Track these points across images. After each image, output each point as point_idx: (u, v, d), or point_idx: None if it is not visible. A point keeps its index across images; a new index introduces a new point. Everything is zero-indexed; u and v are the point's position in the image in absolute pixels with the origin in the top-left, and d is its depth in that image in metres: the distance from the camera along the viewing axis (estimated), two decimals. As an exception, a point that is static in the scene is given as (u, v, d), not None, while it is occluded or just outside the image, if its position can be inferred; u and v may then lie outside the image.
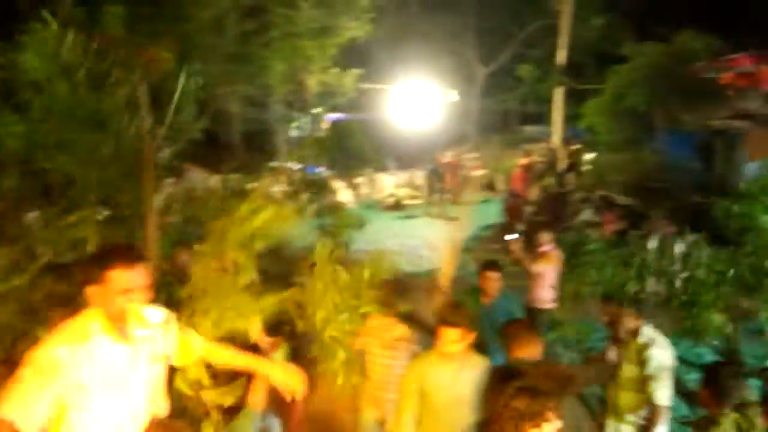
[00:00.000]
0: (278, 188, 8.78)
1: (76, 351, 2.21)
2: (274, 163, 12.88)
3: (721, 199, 7.86)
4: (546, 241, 6.31)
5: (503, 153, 19.61)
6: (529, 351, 3.50)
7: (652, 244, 8.08)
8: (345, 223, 7.59)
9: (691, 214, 9.08)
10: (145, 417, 2.46)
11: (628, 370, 3.86)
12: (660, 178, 12.28)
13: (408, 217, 15.10)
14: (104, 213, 4.71)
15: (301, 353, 4.13)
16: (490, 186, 18.59)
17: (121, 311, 2.29)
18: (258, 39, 13.78)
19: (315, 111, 16.56)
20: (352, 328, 4.31)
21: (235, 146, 15.48)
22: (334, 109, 17.54)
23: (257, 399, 2.90)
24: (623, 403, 3.92)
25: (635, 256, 7.69)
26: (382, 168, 16.97)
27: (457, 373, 3.29)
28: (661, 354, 3.74)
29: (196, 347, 2.65)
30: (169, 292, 3.68)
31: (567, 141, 18.09)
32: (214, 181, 8.48)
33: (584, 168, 16.41)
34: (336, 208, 8.39)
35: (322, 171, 12.01)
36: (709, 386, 3.19)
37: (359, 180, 15.47)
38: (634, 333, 3.84)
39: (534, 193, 13.84)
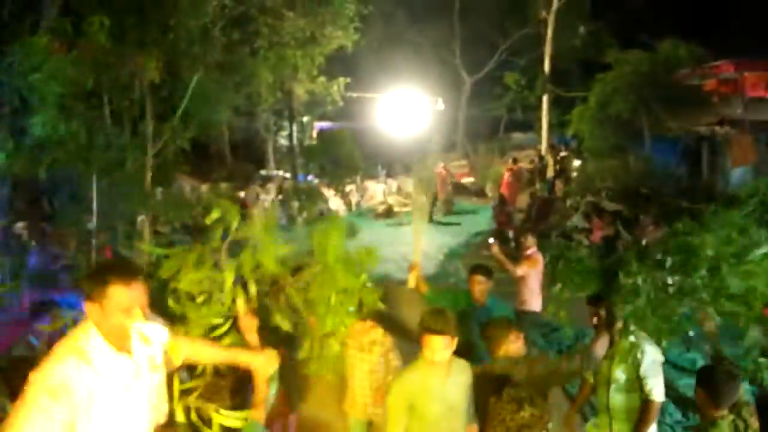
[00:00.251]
0: (268, 196, 8.76)
1: (81, 368, 2.18)
2: (263, 172, 12.86)
3: (708, 204, 7.94)
4: (530, 245, 6.35)
5: (492, 160, 19.73)
6: (511, 349, 3.55)
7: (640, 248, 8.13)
8: (336, 231, 7.52)
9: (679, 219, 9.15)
10: (150, 426, 2.45)
11: (621, 370, 3.85)
12: (647, 184, 12.41)
13: (399, 224, 15.13)
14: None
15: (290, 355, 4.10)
16: (479, 193, 18.67)
17: (121, 327, 2.28)
18: (245, 48, 13.78)
19: (303, 120, 16.57)
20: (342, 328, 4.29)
21: (224, 155, 15.43)
22: (322, 118, 17.56)
23: (260, 413, 2.88)
24: (617, 404, 3.92)
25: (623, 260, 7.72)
26: (371, 176, 17.00)
27: (445, 380, 3.28)
28: (651, 350, 3.76)
29: (182, 347, 2.66)
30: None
31: (555, 148, 18.24)
32: (204, 189, 8.47)
33: (572, 174, 16.53)
34: (327, 216, 8.38)
35: (311, 179, 11.99)
36: (705, 388, 3.20)
37: (349, 188, 15.48)
38: (621, 334, 3.84)
39: (523, 199, 13.93)
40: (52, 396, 2.11)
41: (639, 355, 3.74)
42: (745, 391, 3.53)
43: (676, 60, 15.13)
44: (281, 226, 9.83)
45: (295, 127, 16.23)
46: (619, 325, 3.83)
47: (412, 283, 5.04)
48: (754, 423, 3.20)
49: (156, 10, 8.92)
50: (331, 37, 15.01)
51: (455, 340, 3.29)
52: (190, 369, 3.15)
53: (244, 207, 9.67)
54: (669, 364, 6.58)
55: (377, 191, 17.06)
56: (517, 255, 6.49)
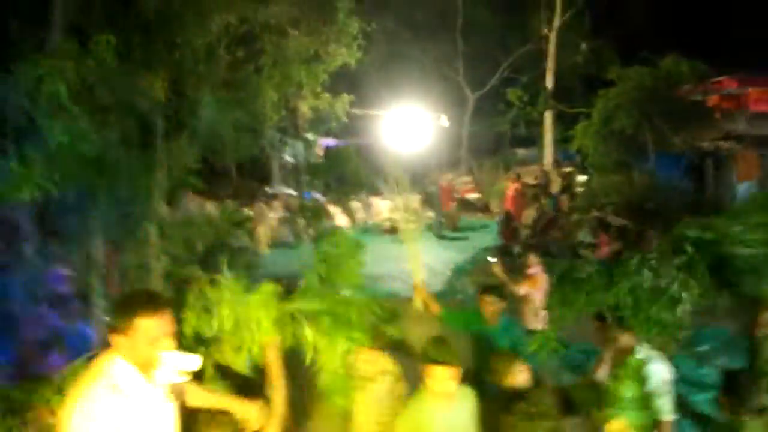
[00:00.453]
0: (274, 214, 8.75)
1: (112, 396, 2.20)
2: (269, 189, 12.88)
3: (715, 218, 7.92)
4: (533, 263, 6.33)
5: (496, 176, 19.74)
6: (518, 380, 3.55)
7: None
8: (343, 248, 7.52)
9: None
10: None
11: (629, 389, 3.82)
12: (651, 199, 12.40)
13: (405, 241, 15.07)
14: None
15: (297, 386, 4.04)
16: (484, 209, 18.66)
17: (150, 357, 2.28)
18: (249, 66, 13.88)
19: (308, 136, 16.62)
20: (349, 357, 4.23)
21: (230, 172, 15.48)
22: (327, 135, 17.63)
23: None
24: (628, 424, 3.89)
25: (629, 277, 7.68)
26: (377, 192, 17.02)
27: (450, 408, 3.27)
28: (660, 369, 3.73)
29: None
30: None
31: (559, 163, 18.26)
32: (210, 207, 8.46)
33: (577, 190, 16.53)
34: (333, 233, 8.35)
35: (317, 196, 11.99)
36: (729, 393, 3.18)
37: (355, 205, 15.48)
38: (630, 351, 3.81)
39: (529, 215, 13.92)
40: (92, 421, 2.10)
41: (646, 375, 3.71)
42: None
43: (678, 75, 15.18)
44: (287, 243, 9.86)
45: (300, 144, 16.28)
46: (627, 341, 3.81)
47: (418, 304, 5.02)
48: None
49: (162, 29, 8.99)
50: (335, 55, 15.13)
51: (459, 370, 3.27)
52: None
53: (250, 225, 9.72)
54: (681, 380, 6.54)
55: (383, 208, 17.06)
56: (521, 272, 6.47)
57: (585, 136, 16.57)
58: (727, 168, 13.32)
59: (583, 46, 20.76)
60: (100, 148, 5.48)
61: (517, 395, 3.40)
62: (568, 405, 3.69)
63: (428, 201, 15.61)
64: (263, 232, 10.75)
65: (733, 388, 3.23)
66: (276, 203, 14.07)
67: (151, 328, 2.25)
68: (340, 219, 12.53)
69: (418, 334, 4.97)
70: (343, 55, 15.18)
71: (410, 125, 19.03)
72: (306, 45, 14.48)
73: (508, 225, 12.64)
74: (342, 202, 12.83)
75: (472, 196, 19.19)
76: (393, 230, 15.80)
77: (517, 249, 10.87)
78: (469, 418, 3.30)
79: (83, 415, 2.13)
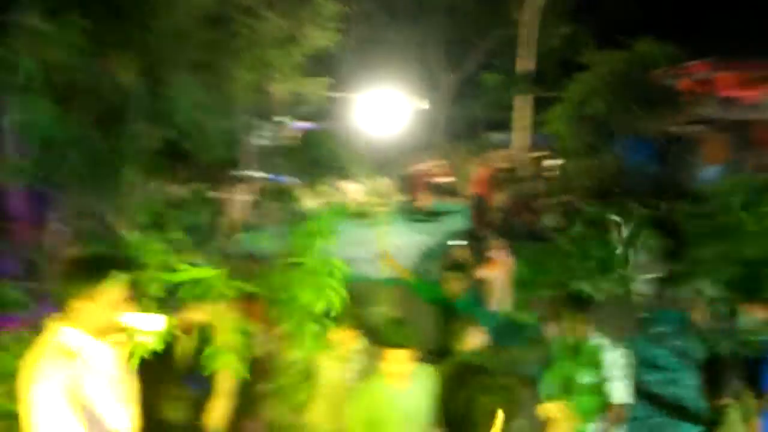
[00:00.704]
0: (243, 197, 8.74)
1: (71, 364, 2.17)
2: (239, 172, 12.79)
3: (679, 202, 8.08)
4: (495, 247, 6.43)
5: (470, 160, 19.79)
6: (471, 342, 3.65)
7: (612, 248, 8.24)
8: (311, 232, 7.56)
9: (650, 218, 9.30)
10: (133, 418, 2.43)
11: (584, 375, 3.91)
12: (621, 183, 12.56)
13: (375, 224, 15.13)
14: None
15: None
16: (457, 193, 18.74)
17: (110, 322, 2.26)
18: (222, 48, 13.70)
19: (282, 119, 16.51)
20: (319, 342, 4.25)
21: (200, 156, 15.32)
22: (301, 118, 17.53)
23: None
24: (583, 408, 3.98)
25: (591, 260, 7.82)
26: (349, 175, 17.00)
27: (404, 390, 3.28)
28: (613, 354, 3.83)
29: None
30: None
31: (533, 147, 18.36)
32: (179, 190, 8.41)
33: (550, 174, 16.65)
34: (302, 217, 8.39)
35: (288, 180, 11.95)
36: (710, 380, 3.26)
37: (325, 188, 15.47)
38: (584, 336, 3.89)
39: (500, 199, 14.03)
40: (50, 389, 2.10)
41: (602, 358, 3.81)
42: None
43: (652, 60, 15.31)
44: (256, 226, 9.84)
45: (273, 128, 16.16)
46: (580, 328, 3.90)
47: (387, 270, 5.11)
48: (753, 407, 3.28)
49: (132, 10, 8.86)
50: (310, 37, 14.99)
51: (416, 353, 3.30)
52: None
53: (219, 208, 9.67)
54: (636, 360, 6.70)
55: (354, 191, 17.05)
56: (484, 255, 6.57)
57: (558, 121, 16.68)
58: (695, 152, 13.51)
59: (560, 30, 20.78)
60: (64, 129, 5.43)
61: (474, 366, 3.45)
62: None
63: (402, 185, 15.65)
64: (233, 215, 10.72)
65: (713, 374, 3.31)
66: (246, 186, 13.97)
67: (116, 292, 2.22)
68: (309, 202, 12.52)
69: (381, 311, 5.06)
70: (319, 37, 15.05)
71: (385, 109, 19.00)
72: (281, 27, 14.33)
73: (479, 209, 12.73)
74: (312, 185, 12.82)
75: (446, 179, 19.25)
76: (364, 214, 15.85)
77: (486, 233, 10.96)
78: (428, 397, 3.31)
79: (41, 384, 2.11)
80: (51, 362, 2.14)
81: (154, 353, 2.79)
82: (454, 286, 4.91)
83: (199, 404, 3.32)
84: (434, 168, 19.05)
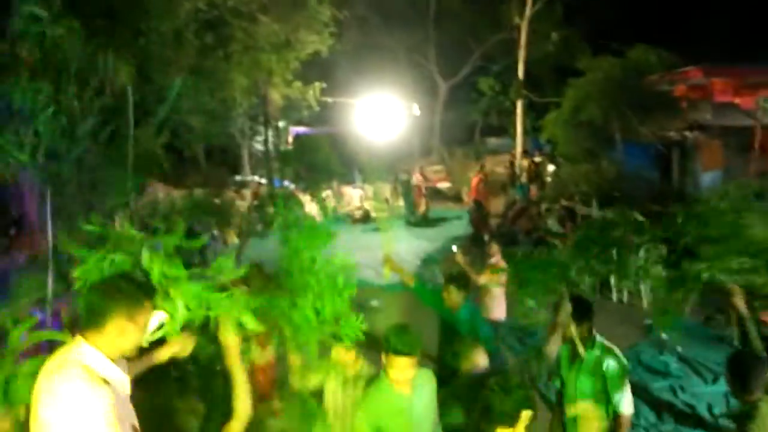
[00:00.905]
0: (244, 202, 8.66)
1: (92, 384, 2.05)
2: (238, 177, 12.74)
3: (681, 207, 8.07)
4: (495, 253, 6.38)
5: (468, 165, 19.83)
6: (475, 364, 3.61)
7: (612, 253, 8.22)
8: (313, 237, 7.47)
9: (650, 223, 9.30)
10: None
11: (587, 382, 3.86)
12: (619, 189, 12.56)
13: (376, 229, 15.10)
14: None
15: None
16: (456, 198, 18.76)
17: (125, 350, 2.19)
18: (218, 52, 13.66)
19: (279, 124, 16.49)
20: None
21: (199, 160, 15.28)
22: (298, 123, 17.51)
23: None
24: (585, 416, 3.94)
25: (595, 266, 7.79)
26: (348, 181, 16.99)
27: (410, 396, 3.27)
28: (616, 363, 3.78)
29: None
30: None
31: (530, 152, 18.40)
32: (178, 195, 8.33)
33: (547, 179, 16.68)
34: (303, 222, 8.31)
35: (287, 184, 11.89)
36: (735, 375, 3.21)
37: (326, 193, 15.44)
38: (588, 343, 3.83)
39: (498, 204, 14.03)
40: (73, 410, 2.01)
41: (604, 368, 3.76)
42: None
43: (647, 66, 15.38)
44: (256, 232, 9.75)
45: (270, 132, 16.14)
46: (584, 333, 3.84)
47: (388, 274, 5.03)
48: None
49: (127, 14, 8.79)
50: (305, 42, 14.98)
51: (419, 359, 3.27)
52: None
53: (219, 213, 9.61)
54: (642, 367, 6.68)
55: (354, 196, 17.05)
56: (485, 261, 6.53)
57: (555, 126, 16.71)
58: (692, 158, 13.56)
59: (555, 36, 20.86)
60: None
61: (477, 380, 3.44)
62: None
63: (400, 190, 15.63)
64: (233, 221, 10.64)
65: (738, 369, 3.25)
66: (245, 191, 13.94)
67: (130, 329, 2.14)
68: (310, 207, 12.46)
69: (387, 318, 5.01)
70: (315, 42, 15.03)
71: (382, 114, 19.01)
72: (276, 31, 14.30)
73: (478, 214, 12.72)
74: (312, 190, 12.75)
75: (444, 185, 19.26)
76: (364, 219, 15.83)
77: (486, 238, 10.94)
78: (430, 403, 3.32)
79: (61, 403, 2.00)
80: (90, 388, 2.03)
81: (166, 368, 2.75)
82: (455, 297, 4.85)
83: (209, 418, 3.26)
84: (432, 172, 19.06)
